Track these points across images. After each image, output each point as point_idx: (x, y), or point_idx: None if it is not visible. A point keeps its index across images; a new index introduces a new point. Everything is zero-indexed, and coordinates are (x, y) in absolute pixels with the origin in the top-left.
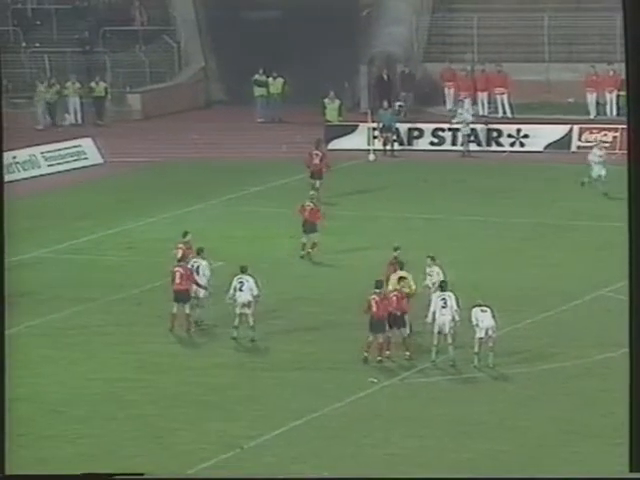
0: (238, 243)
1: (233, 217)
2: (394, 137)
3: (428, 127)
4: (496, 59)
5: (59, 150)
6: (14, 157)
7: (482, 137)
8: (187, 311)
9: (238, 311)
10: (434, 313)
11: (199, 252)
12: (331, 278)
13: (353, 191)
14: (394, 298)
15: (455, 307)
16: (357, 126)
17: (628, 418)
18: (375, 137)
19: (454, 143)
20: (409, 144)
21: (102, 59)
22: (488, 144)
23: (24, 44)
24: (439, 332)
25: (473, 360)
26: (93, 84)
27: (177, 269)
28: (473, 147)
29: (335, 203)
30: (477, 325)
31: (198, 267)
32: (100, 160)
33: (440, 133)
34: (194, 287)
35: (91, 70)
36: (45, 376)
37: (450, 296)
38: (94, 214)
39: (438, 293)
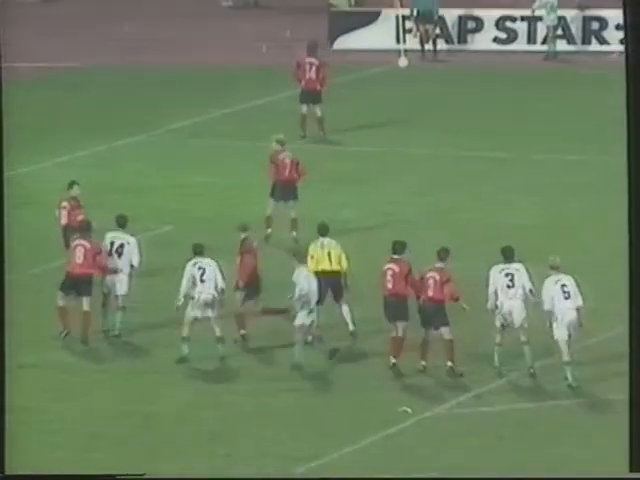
0: (196, 197)
1: (187, 155)
2: (437, 30)
3: (490, 15)
4: None
5: None
6: None
7: (576, 30)
8: (86, 308)
9: (192, 315)
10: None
11: (121, 224)
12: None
13: (374, 118)
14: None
15: (528, 286)
16: (379, 13)
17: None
18: (408, 30)
19: (531, 40)
20: (461, 41)
21: None
22: (585, 41)
23: None
24: (503, 325)
25: (564, 373)
26: None
27: (78, 243)
28: (562, 46)
29: (339, 142)
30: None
31: (122, 245)
32: None
33: (509, 24)
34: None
35: None
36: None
37: (519, 270)
38: None
39: (500, 266)
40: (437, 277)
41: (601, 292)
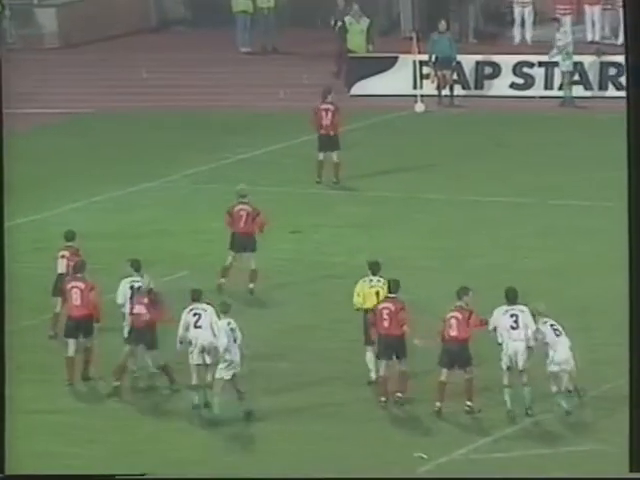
0: (211, 243)
1: (203, 201)
2: (454, 76)
3: (507, 61)
4: None
5: None
6: None
7: (593, 76)
8: (88, 345)
9: (194, 362)
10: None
11: (136, 268)
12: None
13: (391, 163)
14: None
15: (533, 327)
16: (397, 59)
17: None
18: (425, 76)
19: (548, 85)
20: (478, 87)
21: None
22: (602, 87)
23: None
24: (509, 367)
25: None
26: None
27: (73, 285)
28: (579, 91)
29: (355, 187)
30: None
31: (139, 288)
32: None
33: (526, 70)
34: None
35: None
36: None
37: (523, 311)
38: None
39: (504, 307)
40: (459, 316)
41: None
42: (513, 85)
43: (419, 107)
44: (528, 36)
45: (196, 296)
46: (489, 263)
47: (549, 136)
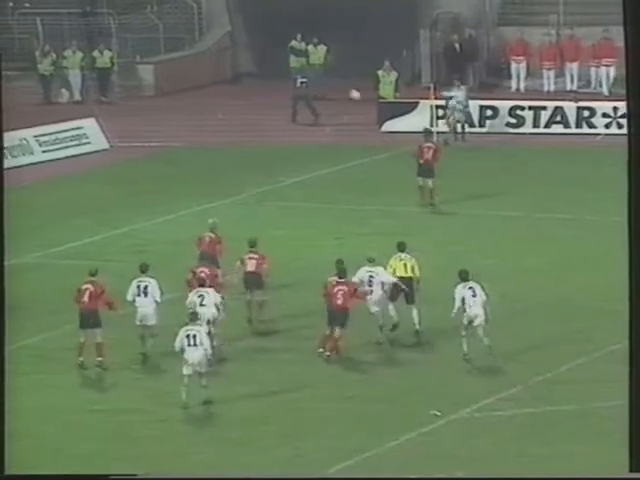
0: (272, 246)
1: (266, 214)
2: (465, 119)
3: (504, 105)
4: (587, 21)
5: (56, 133)
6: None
7: (571, 117)
8: (99, 340)
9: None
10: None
11: (143, 270)
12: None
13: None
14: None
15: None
16: (417, 103)
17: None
18: (441, 117)
19: (536, 124)
20: (480, 125)
21: (107, 23)
22: (578, 125)
23: (11, 4)
24: (469, 322)
25: None
26: (96, 53)
27: (87, 287)
28: (559, 129)
29: (392, 203)
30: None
31: (146, 286)
32: (105, 145)
33: (519, 112)
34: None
35: (93, 36)
36: (40, 407)
37: (477, 285)
38: (98, 210)
39: (462, 284)
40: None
41: None
42: (508, 124)
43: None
44: (522, 86)
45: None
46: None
47: (535, 164)
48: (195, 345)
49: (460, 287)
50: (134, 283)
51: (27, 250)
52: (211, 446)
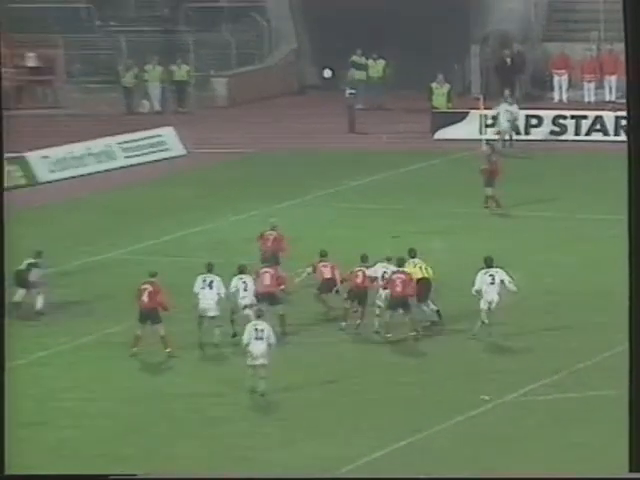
0: (335, 244)
1: (329, 215)
2: (513, 128)
3: (548, 114)
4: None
5: (138, 140)
6: (88, 148)
7: (609, 125)
8: (162, 333)
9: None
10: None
11: (209, 269)
12: (440, 284)
13: (464, 190)
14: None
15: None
16: (468, 113)
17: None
18: (490, 125)
19: (577, 132)
20: (526, 133)
21: (184, 39)
22: (616, 133)
23: (98, 22)
24: (489, 307)
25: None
26: (174, 67)
27: (145, 287)
28: (598, 137)
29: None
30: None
31: (212, 281)
32: (182, 151)
33: (561, 121)
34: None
35: (172, 52)
36: (123, 389)
37: (498, 272)
38: (176, 211)
39: (484, 270)
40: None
41: None
42: (552, 132)
43: (484, 147)
44: (564, 97)
45: (243, 269)
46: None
47: (579, 168)
48: (261, 339)
49: (481, 273)
50: (200, 277)
51: (110, 247)
52: (276, 428)
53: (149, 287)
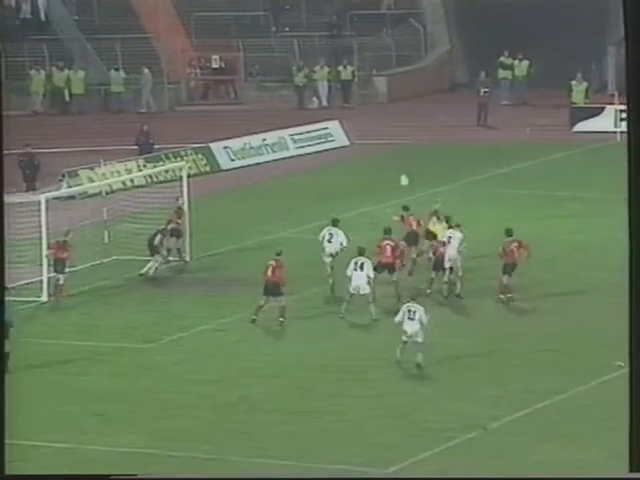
0: (483, 224)
1: (478, 199)
2: None
3: None
4: None
5: (307, 132)
6: (264, 139)
7: None
8: (282, 303)
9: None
10: None
11: (361, 252)
12: (578, 260)
13: (601, 176)
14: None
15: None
16: (604, 108)
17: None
18: (623, 119)
19: None
20: None
21: (350, 43)
22: None
23: (274, 28)
24: None
25: None
26: (340, 68)
27: (270, 263)
28: None
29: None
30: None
31: (332, 234)
32: (346, 142)
33: None
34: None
35: (339, 54)
36: (292, 353)
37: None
38: (340, 195)
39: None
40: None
41: None
42: None
43: (619, 138)
44: None
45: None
46: None
47: None
48: (413, 319)
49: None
50: (352, 261)
51: (281, 227)
52: (425, 387)
53: (273, 263)
